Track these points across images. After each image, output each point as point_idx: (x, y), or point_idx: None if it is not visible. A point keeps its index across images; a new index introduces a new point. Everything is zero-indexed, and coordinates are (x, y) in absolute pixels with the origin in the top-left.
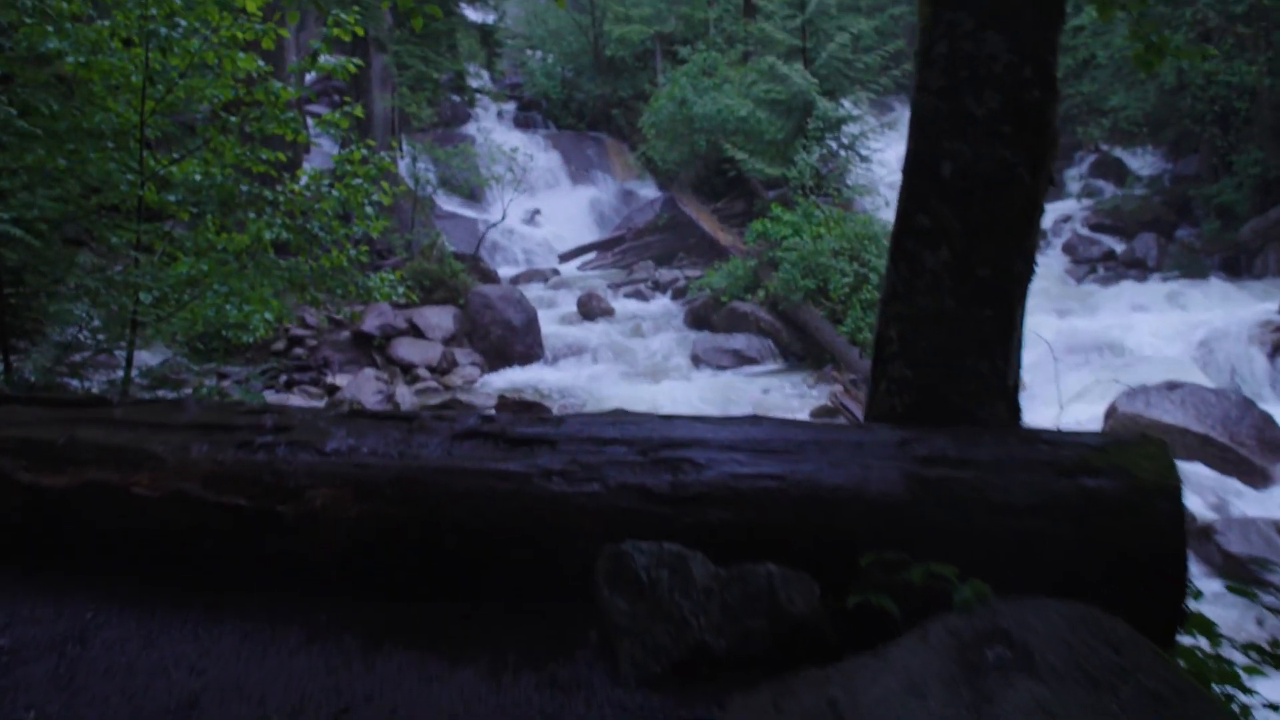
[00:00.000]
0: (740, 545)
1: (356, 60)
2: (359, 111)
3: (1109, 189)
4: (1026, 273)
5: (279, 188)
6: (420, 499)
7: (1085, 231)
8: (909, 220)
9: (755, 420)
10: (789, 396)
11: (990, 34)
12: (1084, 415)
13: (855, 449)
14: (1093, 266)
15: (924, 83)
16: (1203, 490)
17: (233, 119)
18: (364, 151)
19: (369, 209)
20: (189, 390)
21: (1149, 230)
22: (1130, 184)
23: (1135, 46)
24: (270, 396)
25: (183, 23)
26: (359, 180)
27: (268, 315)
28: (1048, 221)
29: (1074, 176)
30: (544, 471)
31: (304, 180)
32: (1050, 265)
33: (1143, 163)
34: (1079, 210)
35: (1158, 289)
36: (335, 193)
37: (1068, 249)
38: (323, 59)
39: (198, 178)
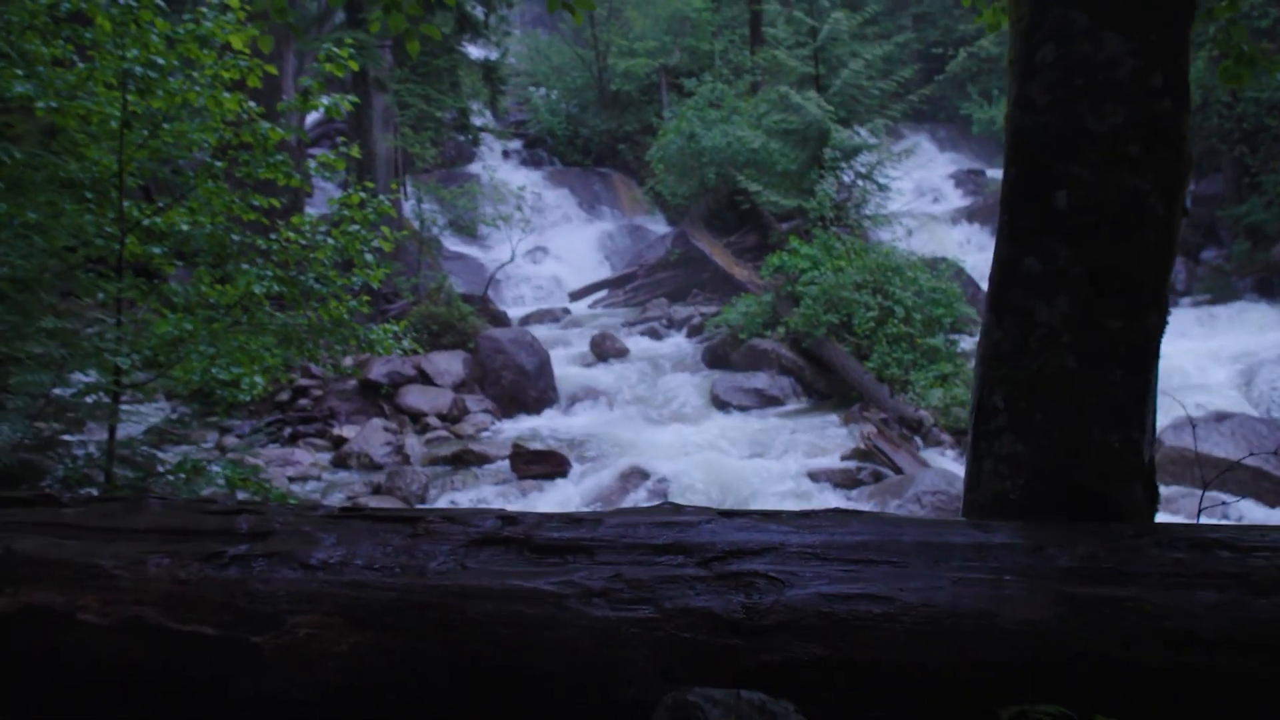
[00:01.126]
0: (837, 691)
1: (352, 98)
2: (355, 152)
3: None
4: (1160, 324)
5: (273, 236)
6: (427, 628)
7: None
8: (1014, 265)
9: (841, 517)
10: (818, 438)
11: (1109, 34)
12: None
13: (977, 556)
14: None
15: (1025, 97)
16: None
17: (218, 164)
18: (362, 195)
19: (369, 256)
20: (181, 452)
21: None
22: None
23: (1224, 61)
24: (275, 451)
25: (161, 61)
26: (356, 226)
27: (257, 379)
28: None
29: None
30: (582, 591)
31: (306, 228)
32: None
33: None
34: None
35: (1189, 313)
36: (331, 240)
37: None
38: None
39: (185, 228)
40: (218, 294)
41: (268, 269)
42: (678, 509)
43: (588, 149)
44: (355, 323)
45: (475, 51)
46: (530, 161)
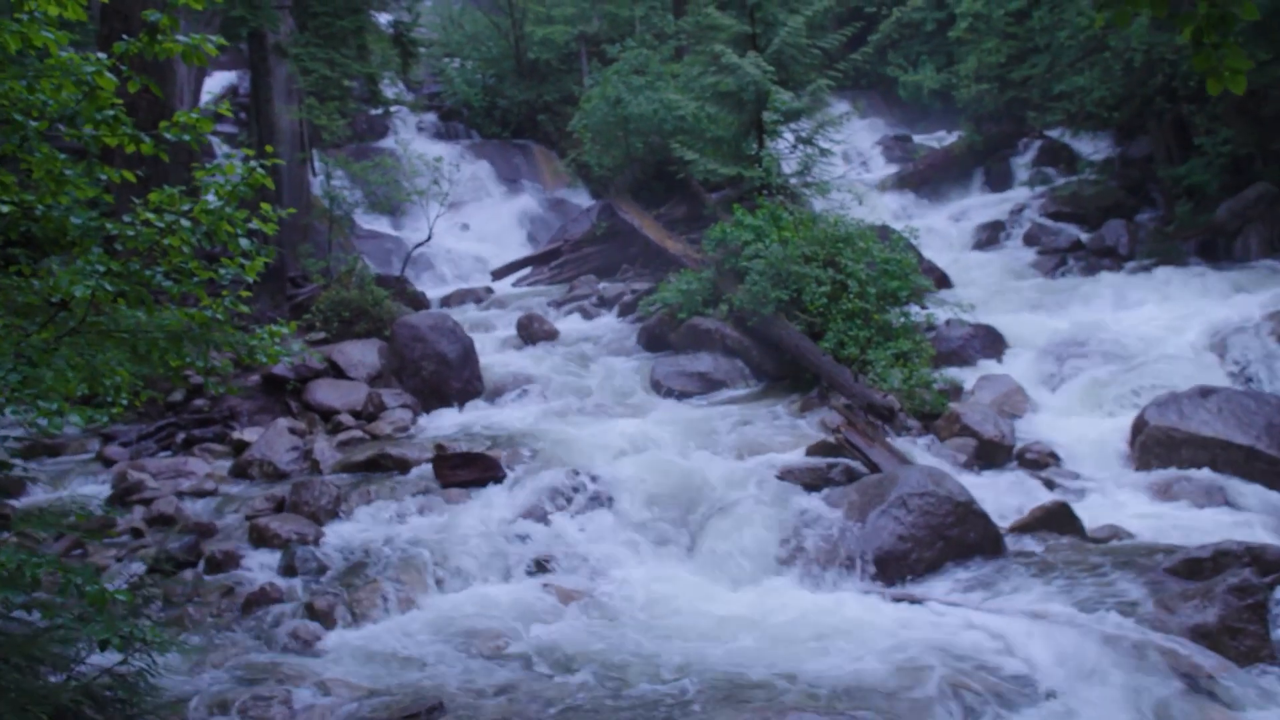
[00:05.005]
0: None
1: (215, 38)
2: (225, 108)
3: (1058, 176)
4: None
5: (126, 219)
6: None
7: (1046, 221)
8: None
9: None
10: (775, 429)
11: None
12: (1105, 429)
13: None
14: (1062, 258)
15: None
16: (1263, 516)
17: (33, 123)
18: (236, 164)
19: (244, 242)
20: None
21: (1111, 216)
22: (1082, 169)
23: None
24: (165, 461)
25: None
26: (218, 202)
27: (74, 418)
28: (1003, 212)
29: (1021, 165)
30: None
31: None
32: (1016, 258)
33: (1092, 148)
34: (1033, 199)
35: (1140, 279)
36: (186, 222)
37: (1030, 240)
38: (176, 39)
39: (4, 209)
40: (44, 293)
41: (100, 263)
42: None
43: (506, 121)
44: (231, 326)
45: (385, 18)
46: (446, 134)
